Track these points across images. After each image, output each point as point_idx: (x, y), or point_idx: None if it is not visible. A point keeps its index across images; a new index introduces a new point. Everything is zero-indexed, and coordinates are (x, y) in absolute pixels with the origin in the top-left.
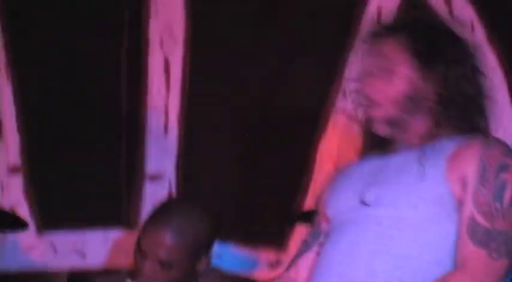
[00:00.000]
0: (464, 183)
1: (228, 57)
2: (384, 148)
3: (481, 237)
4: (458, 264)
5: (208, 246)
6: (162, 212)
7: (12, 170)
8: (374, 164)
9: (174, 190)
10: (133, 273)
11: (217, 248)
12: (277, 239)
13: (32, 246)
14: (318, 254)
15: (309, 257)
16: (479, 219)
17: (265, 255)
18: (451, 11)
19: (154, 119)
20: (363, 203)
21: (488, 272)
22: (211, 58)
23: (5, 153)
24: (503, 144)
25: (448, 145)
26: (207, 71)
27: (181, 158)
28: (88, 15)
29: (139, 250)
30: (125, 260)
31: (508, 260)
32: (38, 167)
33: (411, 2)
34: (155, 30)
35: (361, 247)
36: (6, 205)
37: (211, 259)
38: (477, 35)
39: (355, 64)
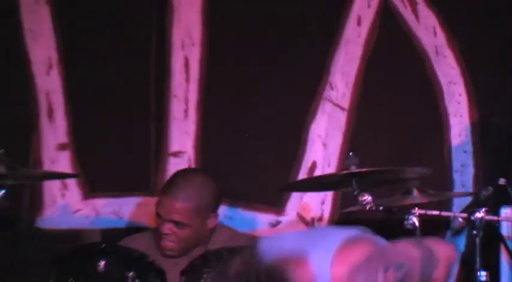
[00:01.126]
0: None
1: (238, 56)
2: None
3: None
4: None
5: (214, 207)
6: (172, 182)
7: (61, 147)
8: None
9: (192, 164)
10: (154, 234)
11: (226, 211)
12: (276, 203)
13: (78, 210)
14: None
15: None
16: None
17: (267, 217)
18: (417, 19)
19: (176, 106)
20: None
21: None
22: (224, 57)
23: (55, 133)
24: None
25: None
26: (220, 67)
27: (198, 138)
28: (123, 24)
29: (158, 215)
30: (154, 221)
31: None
32: (83, 145)
33: (385, 11)
34: (177, 35)
35: None
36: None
37: (219, 218)
38: (438, 39)
39: None
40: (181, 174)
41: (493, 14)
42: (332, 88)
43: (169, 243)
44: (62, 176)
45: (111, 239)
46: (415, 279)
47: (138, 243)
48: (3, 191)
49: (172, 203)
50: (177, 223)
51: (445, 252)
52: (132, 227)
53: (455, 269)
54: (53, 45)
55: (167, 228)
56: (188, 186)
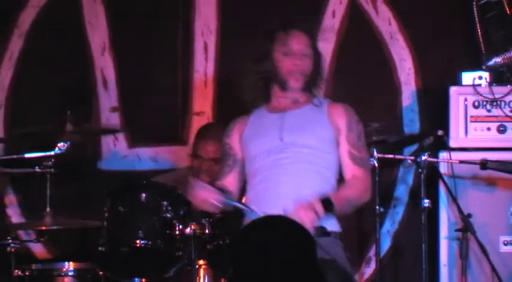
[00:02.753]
0: (338, 129)
1: (244, 42)
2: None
3: (358, 161)
4: (349, 179)
5: None
6: (205, 133)
7: (113, 110)
8: (275, 117)
9: (210, 121)
10: (193, 171)
11: None
12: None
13: (125, 156)
14: (240, 175)
15: (234, 176)
16: (354, 151)
17: None
18: (377, 12)
19: (198, 78)
20: (285, 144)
21: (367, 179)
22: (233, 43)
23: (108, 99)
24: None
25: (322, 105)
26: (230, 50)
27: (214, 102)
28: (157, 17)
29: (198, 157)
30: (181, 164)
31: (369, 171)
32: (129, 107)
33: (352, 6)
34: (198, 25)
35: (299, 174)
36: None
37: None
38: (392, 27)
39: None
40: (209, 126)
41: (432, 9)
42: None
43: (206, 178)
44: (112, 131)
45: (149, 178)
46: None
47: (169, 178)
48: (69, 143)
49: (210, 145)
50: (214, 160)
51: None
52: (165, 169)
53: None
54: (106, 34)
55: (207, 165)
56: (218, 133)
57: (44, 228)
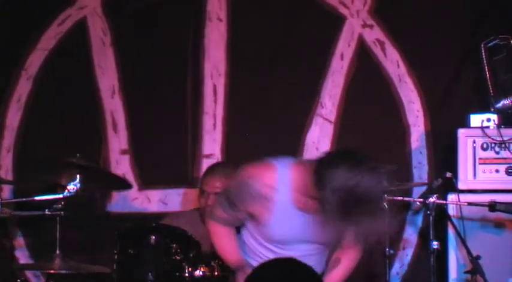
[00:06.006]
0: None
1: (253, 85)
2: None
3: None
4: None
5: None
6: (211, 169)
7: (123, 152)
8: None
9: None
10: (201, 210)
11: None
12: None
13: (135, 198)
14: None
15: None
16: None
17: None
18: (385, 55)
19: (207, 121)
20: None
21: None
22: (242, 85)
23: (118, 142)
24: None
25: None
26: (239, 92)
27: (224, 144)
28: (165, 60)
29: (203, 193)
30: (190, 206)
31: None
32: (139, 150)
33: (361, 48)
34: (207, 68)
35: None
36: (120, 173)
37: None
38: (401, 69)
39: None
40: (218, 164)
41: (440, 51)
42: (322, 107)
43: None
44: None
45: (159, 220)
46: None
47: (178, 220)
48: (78, 186)
49: (217, 181)
50: (218, 194)
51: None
52: (174, 211)
53: None
54: (115, 77)
55: (212, 199)
56: (226, 170)
57: (53, 271)
